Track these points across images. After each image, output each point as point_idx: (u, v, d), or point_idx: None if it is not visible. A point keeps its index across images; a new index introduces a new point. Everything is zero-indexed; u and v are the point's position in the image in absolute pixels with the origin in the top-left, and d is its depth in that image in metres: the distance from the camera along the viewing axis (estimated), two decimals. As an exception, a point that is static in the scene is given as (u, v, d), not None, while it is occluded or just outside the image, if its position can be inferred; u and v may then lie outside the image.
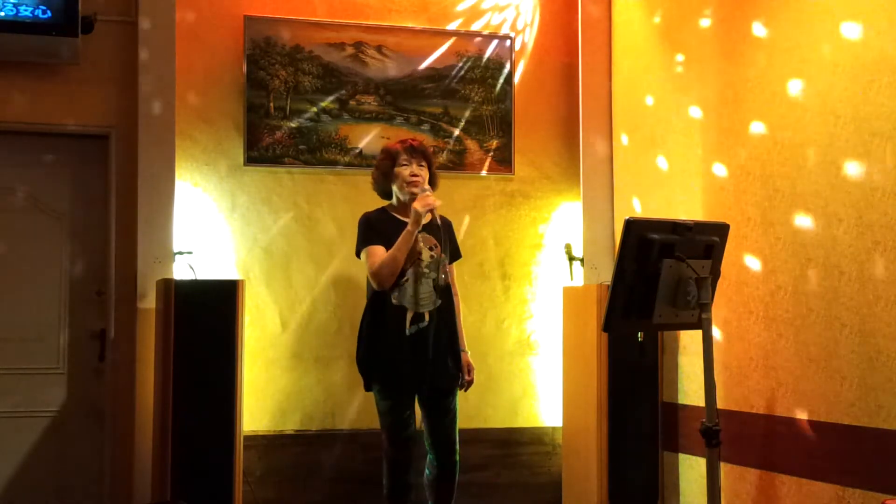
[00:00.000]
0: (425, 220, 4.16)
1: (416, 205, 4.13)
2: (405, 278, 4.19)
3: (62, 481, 4.80)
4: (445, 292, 4.28)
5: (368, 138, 5.19)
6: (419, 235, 4.19)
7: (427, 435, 4.30)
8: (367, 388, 4.31)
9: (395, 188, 4.31)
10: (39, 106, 4.74)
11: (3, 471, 4.73)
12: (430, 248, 4.23)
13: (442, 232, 4.24)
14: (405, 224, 4.16)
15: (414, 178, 4.25)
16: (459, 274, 4.69)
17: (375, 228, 4.26)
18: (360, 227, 4.32)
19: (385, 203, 4.41)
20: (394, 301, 4.19)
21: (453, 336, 4.31)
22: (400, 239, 4.13)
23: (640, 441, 4.86)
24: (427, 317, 4.19)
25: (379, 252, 4.19)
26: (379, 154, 4.47)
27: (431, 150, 4.50)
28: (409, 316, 4.18)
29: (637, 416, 4.85)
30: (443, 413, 4.27)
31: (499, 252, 5.35)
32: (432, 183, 4.32)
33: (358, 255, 4.31)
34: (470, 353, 4.41)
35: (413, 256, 4.17)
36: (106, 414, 4.81)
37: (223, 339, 4.37)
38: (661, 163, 4.97)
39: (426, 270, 4.20)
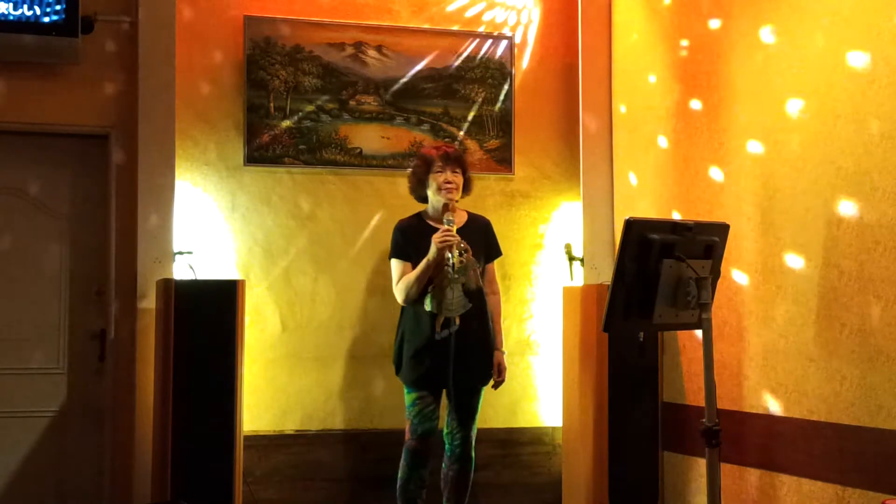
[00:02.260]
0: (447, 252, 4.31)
1: (436, 238, 4.30)
2: (433, 285, 4.36)
3: (62, 481, 4.80)
4: (477, 295, 4.43)
5: (368, 138, 5.19)
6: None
7: (448, 429, 4.48)
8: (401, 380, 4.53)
9: (429, 193, 4.48)
10: (39, 106, 4.74)
11: (3, 471, 4.73)
12: (461, 253, 4.33)
13: (476, 234, 4.47)
14: (437, 230, 4.35)
15: (448, 186, 4.42)
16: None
17: (407, 239, 4.47)
18: (393, 235, 4.52)
19: (422, 207, 4.60)
20: (425, 307, 4.37)
21: (484, 337, 4.47)
22: (420, 268, 4.36)
23: (640, 441, 4.85)
24: (457, 321, 4.34)
25: (404, 270, 4.42)
26: (415, 159, 4.65)
27: (464, 151, 4.75)
28: (439, 321, 4.35)
29: (637, 416, 4.85)
30: (466, 410, 4.46)
31: (499, 252, 5.35)
32: (468, 187, 4.54)
33: (389, 259, 4.52)
34: (506, 354, 4.61)
35: (442, 264, 4.33)
36: (106, 414, 4.81)
37: (223, 339, 4.38)
38: (662, 163, 4.97)
39: (456, 276, 4.33)
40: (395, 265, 4.47)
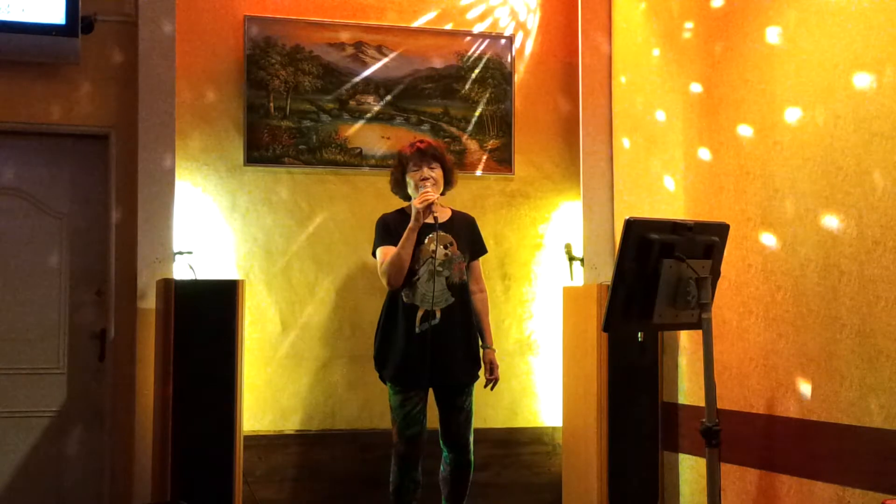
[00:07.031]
0: (428, 216, 4.24)
1: (415, 202, 4.24)
2: (417, 277, 4.27)
3: (62, 481, 4.80)
4: (460, 290, 4.34)
5: (368, 138, 5.19)
6: (435, 234, 4.28)
7: (441, 432, 4.37)
8: (383, 381, 4.41)
9: (410, 192, 4.40)
10: (39, 106, 4.74)
11: (3, 471, 4.73)
12: (446, 247, 4.31)
13: (461, 229, 4.37)
14: (423, 224, 4.27)
15: (424, 182, 4.32)
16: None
17: (390, 229, 4.36)
18: (376, 228, 4.43)
19: (405, 204, 4.50)
20: (405, 300, 4.28)
21: (468, 333, 4.38)
22: (403, 238, 4.24)
23: (640, 441, 4.85)
24: (438, 314, 4.25)
25: (389, 252, 4.29)
26: (392, 160, 4.60)
27: (443, 145, 4.63)
28: (419, 314, 4.26)
29: (637, 416, 4.84)
30: (456, 410, 4.34)
31: (499, 252, 5.35)
32: (449, 180, 4.42)
33: (374, 254, 4.42)
34: (497, 352, 4.51)
35: (426, 255, 4.26)
36: (106, 414, 4.81)
37: (223, 339, 4.37)
38: (661, 162, 4.97)
39: (440, 269, 4.28)
40: (380, 253, 4.32)
